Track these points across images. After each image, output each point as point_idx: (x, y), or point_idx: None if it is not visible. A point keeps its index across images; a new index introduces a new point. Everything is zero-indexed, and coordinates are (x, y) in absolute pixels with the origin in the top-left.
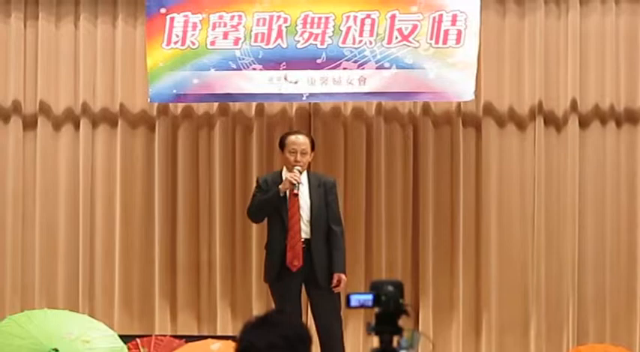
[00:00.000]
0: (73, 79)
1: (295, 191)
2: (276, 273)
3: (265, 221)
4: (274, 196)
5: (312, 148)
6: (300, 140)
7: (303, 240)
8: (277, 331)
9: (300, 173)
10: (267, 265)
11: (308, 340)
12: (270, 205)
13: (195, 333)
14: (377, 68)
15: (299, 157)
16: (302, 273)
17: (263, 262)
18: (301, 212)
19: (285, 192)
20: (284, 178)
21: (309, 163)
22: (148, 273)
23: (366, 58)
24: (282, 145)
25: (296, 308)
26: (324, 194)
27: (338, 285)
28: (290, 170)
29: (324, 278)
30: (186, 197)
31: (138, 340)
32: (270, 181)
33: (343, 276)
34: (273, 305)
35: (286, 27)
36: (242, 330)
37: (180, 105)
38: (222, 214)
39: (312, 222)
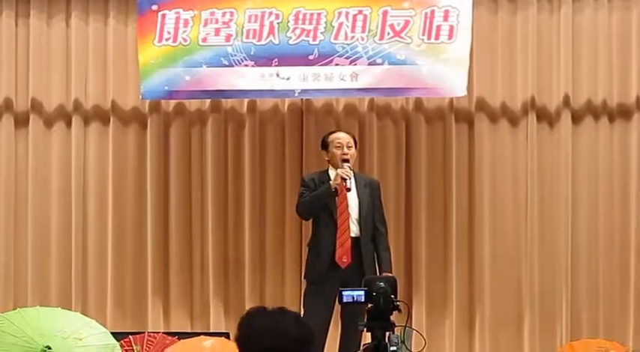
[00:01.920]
0: (65, 77)
1: (347, 186)
2: (323, 270)
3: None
4: (327, 191)
5: (356, 146)
6: (343, 135)
7: (351, 238)
8: (282, 325)
9: (351, 169)
10: (312, 263)
11: (310, 340)
12: (321, 201)
13: (188, 330)
14: (369, 64)
15: (346, 150)
16: (347, 271)
17: (257, 259)
18: (350, 210)
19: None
20: (333, 175)
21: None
22: (140, 271)
23: (358, 54)
24: (325, 144)
25: (329, 307)
26: (370, 194)
27: None
28: (337, 166)
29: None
30: (178, 194)
31: (130, 337)
32: (317, 180)
33: (390, 275)
34: (268, 301)
35: (278, 23)
36: (245, 317)
37: (172, 102)
38: (214, 211)
39: (361, 221)
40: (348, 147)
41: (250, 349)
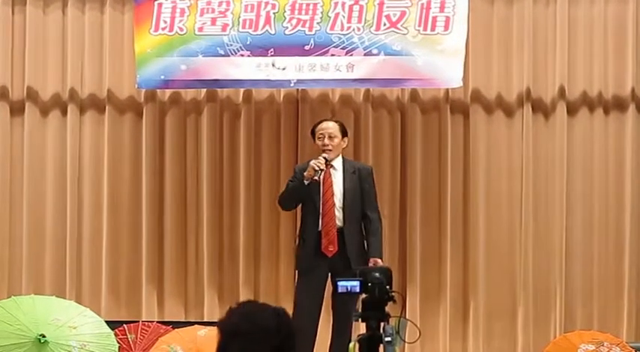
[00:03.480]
0: (61, 65)
1: (316, 178)
2: (311, 260)
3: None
4: (300, 185)
5: (344, 134)
6: (327, 124)
7: (337, 226)
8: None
9: (327, 159)
10: (301, 253)
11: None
12: (295, 193)
13: (183, 320)
14: (365, 55)
15: (327, 141)
16: (333, 260)
17: (252, 248)
18: (334, 199)
19: (315, 179)
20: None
21: (343, 149)
22: (135, 260)
23: (354, 45)
24: (313, 134)
25: (319, 296)
26: (358, 180)
27: None
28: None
29: (357, 264)
30: (173, 183)
31: (125, 326)
32: (300, 170)
33: (379, 261)
34: (262, 290)
35: (274, 13)
36: (227, 313)
37: (168, 92)
38: (209, 200)
39: (345, 209)
40: (330, 138)
41: (228, 334)
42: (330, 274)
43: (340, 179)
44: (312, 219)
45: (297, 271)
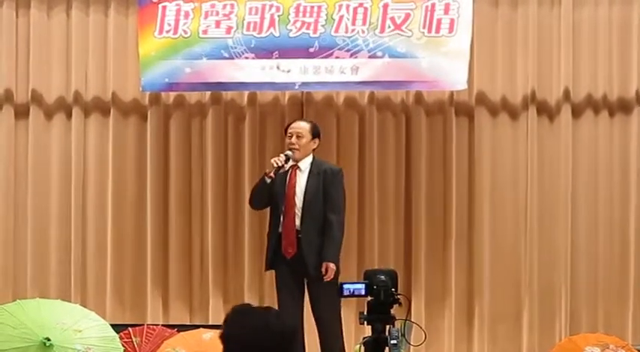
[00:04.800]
0: (65, 68)
1: (272, 174)
2: (272, 261)
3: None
4: (261, 182)
5: (315, 135)
6: (297, 124)
7: (296, 228)
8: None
9: (288, 157)
10: (266, 254)
11: (292, 335)
12: (258, 192)
13: (188, 323)
14: (369, 57)
15: (293, 139)
16: (293, 261)
17: (257, 251)
18: (296, 199)
19: (271, 176)
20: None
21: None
22: (140, 263)
23: (358, 47)
24: (285, 132)
25: (292, 298)
26: (322, 182)
27: (326, 274)
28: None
29: (313, 267)
30: (178, 186)
31: (130, 329)
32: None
33: (332, 265)
34: (267, 294)
35: (279, 16)
36: (228, 317)
37: (173, 94)
38: (214, 204)
39: (304, 210)
40: (298, 137)
41: (233, 347)
42: (294, 276)
43: (304, 180)
44: (275, 220)
45: (267, 271)
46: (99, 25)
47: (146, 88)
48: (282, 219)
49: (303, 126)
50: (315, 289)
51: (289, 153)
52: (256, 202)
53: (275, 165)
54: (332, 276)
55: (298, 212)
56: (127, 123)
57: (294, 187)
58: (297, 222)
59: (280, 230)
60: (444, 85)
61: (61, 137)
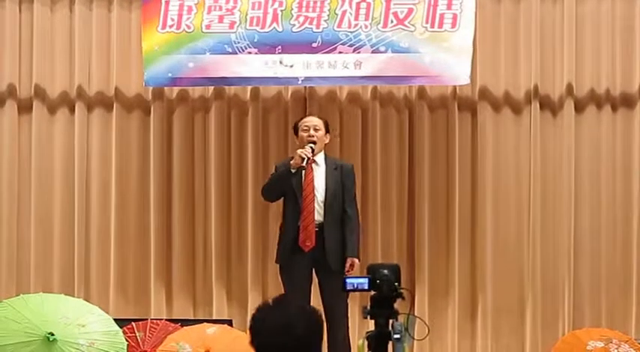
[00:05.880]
0: (69, 63)
1: (303, 164)
2: (288, 254)
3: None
4: (285, 172)
5: (327, 130)
6: (311, 118)
7: (316, 222)
8: (291, 311)
9: (313, 150)
10: (280, 246)
11: (320, 324)
12: (281, 182)
13: (191, 317)
14: (372, 52)
15: (312, 132)
16: (313, 255)
17: (261, 246)
18: (316, 193)
19: (299, 170)
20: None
21: (325, 145)
22: (143, 257)
23: (361, 42)
24: (296, 129)
25: (304, 291)
26: (340, 177)
27: (351, 269)
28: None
29: (335, 261)
30: (181, 181)
31: (133, 324)
32: (287, 163)
33: (356, 261)
34: (271, 288)
35: (282, 11)
36: (256, 310)
37: (176, 89)
38: (217, 198)
39: (326, 205)
40: (316, 130)
41: (262, 345)
42: (311, 270)
43: (322, 174)
44: (292, 213)
45: (279, 264)
46: (102, 20)
47: (149, 82)
48: (300, 212)
49: (318, 121)
50: (328, 280)
51: (312, 145)
52: (273, 193)
53: (304, 156)
54: (355, 271)
55: (318, 206)
56: (130, 117)
57: (313, 181)
58: (317, 216)
59: (299, 223)
60: (447, 80)
61: (64, 132)
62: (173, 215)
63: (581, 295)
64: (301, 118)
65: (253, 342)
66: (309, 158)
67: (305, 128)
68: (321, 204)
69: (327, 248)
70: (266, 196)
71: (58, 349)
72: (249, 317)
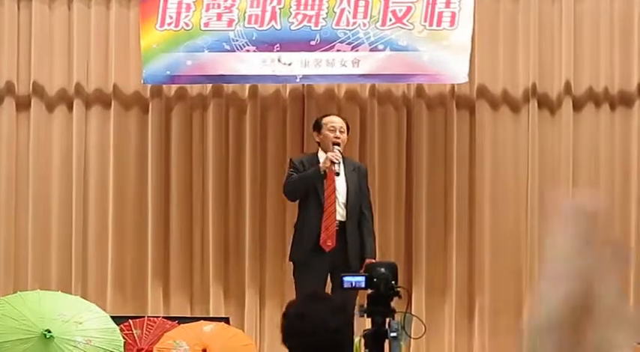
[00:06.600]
0: (67, 60)
1: (336, 170)
2: (307, 253)
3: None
4: (315, 174)
5: (348, 131)
6: (337, 119)
7: (337, 222)
8: (327, 304)
9: (341, 153)
10: (297, 244)
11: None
12: (309, 182)
13: (188, 315)
14: (371, 50)
15: (338, 134)
16: (333, 255)
17: (258, 244)
18: (337, 194)
19: (325, 171)
20: (322, 158)
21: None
22: (140, 255)
23: (359, 40)
24: (319, 126)
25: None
26: (357, 178)
27: None
28: (327, 148)
29: (355, 262)
30: (179, 178)
31: (130, 321)
32: (307, 162)
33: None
34: (268, 287)
35: (280, 8)
36: (288, 306)
37: (174, 87)
38: (215, 196)
39: (348, 205)
40: (341, 132)
41: (295, 342)
42: (329, 270)
43: (342, 175)
44: (314, 212)
45: (291, 261)
46: (100, 18)
47: (147, 80)
48: (322, 212)
49: (343, 123)
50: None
51: (339, 148)
52: (298, 193)
53: (335, 160)
54: None
55: (339, 206)
56: (129, 115)
57: (334, 181)
58: (339, 216)
59: (321, 223)
60: (445, 78)
61: (63, 129)
62: (171, 212)
63: None
64: (325, 115)
65: (292, 339)
66: (338, 162)
67: (332, 128)
68: (343, 205)
69: (350, 249)
70: (290, 196)
71: (55, 346)
72: (246, 315)
